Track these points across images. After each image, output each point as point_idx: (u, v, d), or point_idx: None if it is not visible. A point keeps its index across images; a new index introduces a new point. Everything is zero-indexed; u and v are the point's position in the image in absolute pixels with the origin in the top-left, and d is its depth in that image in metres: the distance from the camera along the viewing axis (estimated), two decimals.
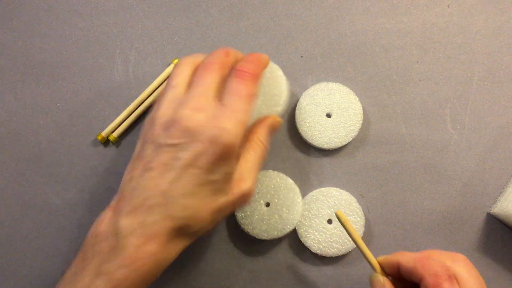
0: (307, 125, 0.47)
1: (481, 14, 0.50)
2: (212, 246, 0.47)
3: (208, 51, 0.50)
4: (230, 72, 0.37)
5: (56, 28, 0.51)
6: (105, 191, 0.48)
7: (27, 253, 0.47)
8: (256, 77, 0.37)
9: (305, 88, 0.48)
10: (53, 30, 0.51)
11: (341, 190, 0.46)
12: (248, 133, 0.39)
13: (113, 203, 0.36)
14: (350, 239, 0.45)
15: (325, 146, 0.47)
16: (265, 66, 0.39)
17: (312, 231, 0.45)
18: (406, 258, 0.36)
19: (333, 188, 0.46)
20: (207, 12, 0.51)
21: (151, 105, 0.49)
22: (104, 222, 0.35)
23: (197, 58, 0.39)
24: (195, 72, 0.37)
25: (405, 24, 0.50)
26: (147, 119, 0.37)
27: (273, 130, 0.42)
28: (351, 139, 0.47)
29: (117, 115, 0.49)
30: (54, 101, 0.50)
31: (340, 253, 0.45)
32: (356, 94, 0.48)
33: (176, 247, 0.35)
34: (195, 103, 0.34)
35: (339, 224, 0.45)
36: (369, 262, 0.38)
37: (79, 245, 0.47)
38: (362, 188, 0.48)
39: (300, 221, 0.45)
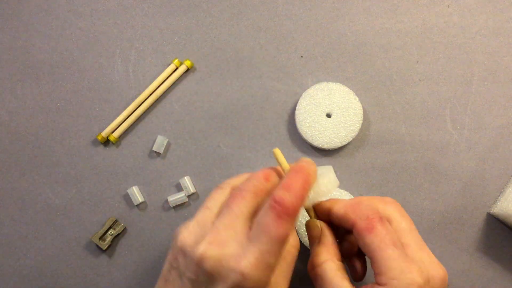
0: (307, 125, 0.47)
1: (481, 14, 0.50)
2: None
3: (208, 51, 0.50)
4: (267, 200, 0.32)
5: (56, 28, 0.51)
6: (105, 191, 0.48)
7: (27, 253, 0.47)
8: (294, 212, 0.31)
9: (305, 88, 0.48)
10: (53, 30, 0.51)
11: (341, 190, 0.46)
12: None
13: None
14: None
15: (325, 146, 0.47)
16: (311, 184, 0.34)
17: None
18: (337, 206, 0.36)
19: None
20: (207, 12, 0.51)
21: (151, 105, 0.49)
22: None
23: (238, 181, 0.36)
24: (228, 197, 0.34)
25: (405, 24, 0.50)
26: (176, 231, 0.34)
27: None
28: (351, 139, 0.47)
29: (117, 115, 0.49)
30: (54, 101, 0.50)
31: None
32: (356, 94, 0.48)
33: None
34: (217, 235, 0.31)
35: None
36: (305, 207, 0.38)
37: (79, 245, 0.48)
38: (362, 188, 0.48)
39: (300, 221, 0.45)
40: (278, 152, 0.37)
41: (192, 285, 0.31)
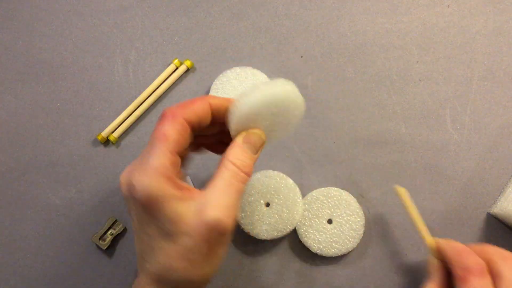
0: None
1: (481, 14, 0.50)
2: None
3: (208, 51, 0.50)
4: None
5: (56, 28, 0.51)
6: (105, 191, 0.48)
7: (27, 253, 0.47)
8: (171, 114, 0.32)
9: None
10: (53, 30, 0.51)
11: (341, 190, 0.46)
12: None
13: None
14: (350, 239, 0.45)
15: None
16: (201, 103, 0.33)
17: (312, 231, 0.45)
18: (450, 248, 0.37)
19: (333, 188, 0.46)
20: (207, 12, 0.51)
21: (151, 105, 0.49)
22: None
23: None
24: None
25: (405, 24, 0.50)
26: None
27: (255, 146, 0.34)
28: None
29: (117, 115, 0.49)
30: (54, 101, 0.50)
31: (340, 253, 0.45)
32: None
33: None
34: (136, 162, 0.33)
35: (339, 223, 0.45)
36: (426, 243, 0.40)
37: (79, 245, 0.48)
38: (362, 188, 0.48)
39: (300, 221, 0.45)
40: (402, 191, 0.41)
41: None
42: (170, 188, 0.30)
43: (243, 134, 0.34)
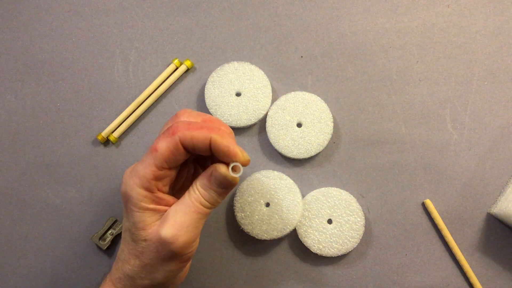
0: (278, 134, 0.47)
1: (481, 14, 0.50)
2: (212, 246, 0.47)
3: (208, 51, 0.50)
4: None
5: (56, 28, 0.51)
6: (105, 191, 0.48)
7: (27, 253, 0.47)
8: (157, 149, 0.34)
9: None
10: (53, 30, 0.51)
11: (341, 190, 0.46)
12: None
13: None
14: (350, 239, 0.45)
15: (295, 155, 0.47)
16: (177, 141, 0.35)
17: (312, 231, 0.45)
18: None
19: (333, 188, 0.46)
20: (207, 12, 0.51)
21: (151, 105, 0.49)
22: None
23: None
24: None
25: (405, 24, 0.50)
26: None
27: (222, 182, 0.35)
28: (321, 148, 0.47)
29: (117, 115, 0.49)
30: (54, 101, 0.50)
31: (340, 253, 0.45)
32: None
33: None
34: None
35: (339, 223, 0.45)
36: (456, 255, 0.46)
37: (79, 245, 0.48)
38: (362, 188, 0.48)
39: (300, 221, 0.45)
40: (429, 203, 0.46)
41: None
42: (143, 198, 0.34)
43: (216, 166, 0.35)
